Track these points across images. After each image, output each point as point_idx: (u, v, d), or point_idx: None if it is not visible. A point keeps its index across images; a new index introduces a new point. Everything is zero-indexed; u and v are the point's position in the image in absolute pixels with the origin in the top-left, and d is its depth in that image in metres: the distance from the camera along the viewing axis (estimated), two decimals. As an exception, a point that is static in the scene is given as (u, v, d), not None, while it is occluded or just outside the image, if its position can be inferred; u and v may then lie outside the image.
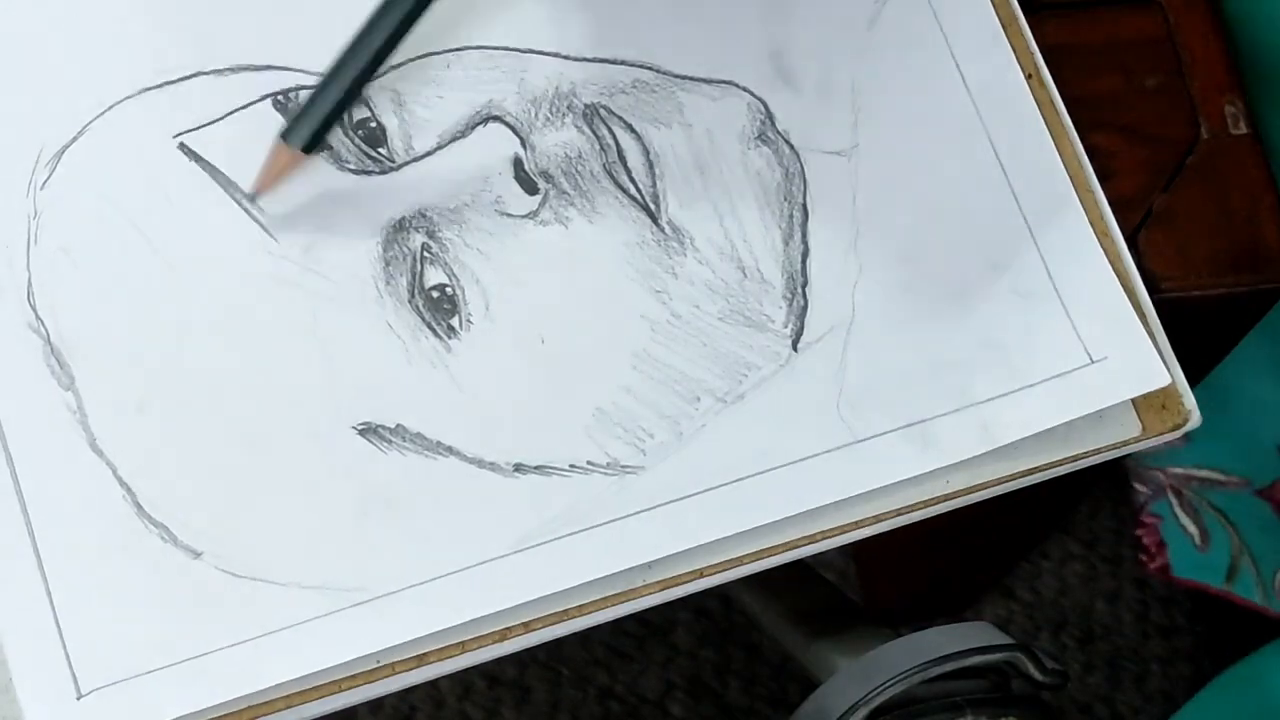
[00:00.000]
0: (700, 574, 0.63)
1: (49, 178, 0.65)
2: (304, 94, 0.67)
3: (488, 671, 1.38)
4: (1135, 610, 1.53)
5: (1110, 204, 0.68)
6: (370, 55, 0.64)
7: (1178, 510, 1.17)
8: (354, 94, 0.65)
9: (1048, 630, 1.53)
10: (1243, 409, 1.10)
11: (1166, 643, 1.51)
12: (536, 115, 0.67)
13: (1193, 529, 1.17)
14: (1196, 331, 0.73)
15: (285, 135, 0.64)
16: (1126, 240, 0.68)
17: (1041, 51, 0.70)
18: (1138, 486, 1.19)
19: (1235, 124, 0.74)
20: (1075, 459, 0.66)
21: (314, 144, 0.65)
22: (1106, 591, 1.54)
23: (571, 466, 0.63)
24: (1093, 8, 0.75)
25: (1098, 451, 0.66)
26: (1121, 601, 1.53)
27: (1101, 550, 1.54)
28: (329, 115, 0.64)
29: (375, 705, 1.28)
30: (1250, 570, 1.15)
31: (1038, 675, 0.74)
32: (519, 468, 0.63)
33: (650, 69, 0.68)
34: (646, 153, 0.67)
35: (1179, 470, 1.17)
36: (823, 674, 0.81)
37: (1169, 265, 0.71)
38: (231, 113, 0.67)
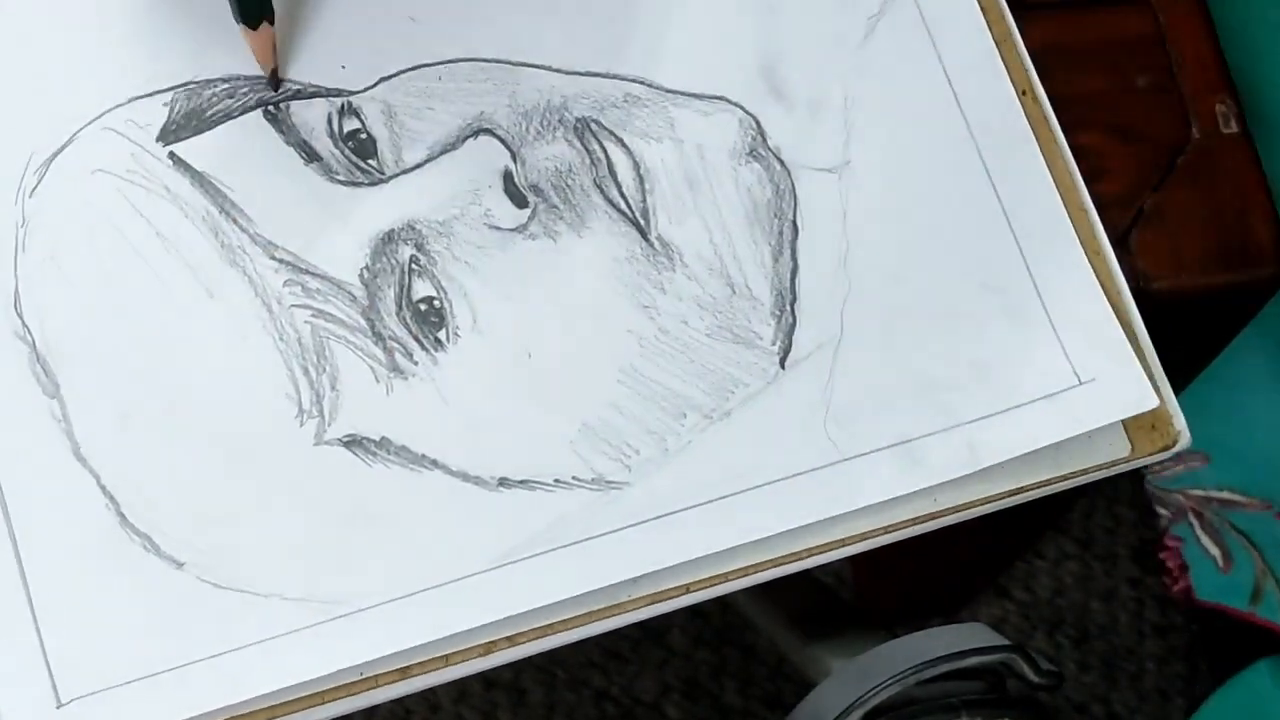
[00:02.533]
0: (687, 589, 0.63)
1: (37, 185, 0.65)
2: (295, 104, 0.67)
3: (484, 674, 1.38)
4: (1131, 609, 1.53)
5: (1101, 203, 0.68)
6: None
7: (1199, 532, 1.17)
8: None
9: (1043, 630, 1.53)
10: (1258, 436, 1.10)
11: (1162, 641, 1.51)
12: (527, 129, 0.67)
13: (1215, 551, 1.17)
14: (1188, 330, 0.73)
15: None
16: (1118, 240, 0.68)
17: (1031, 52, 0.70)
18: (1159, 510, 1.19)
19: (1226, 123, 0.74)
20: (1064, 479, 0.66)
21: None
22: (1102, 591, 1.54)
23: (556, 481, 0.63)
24: (1083, 7, 0.75)
25: (1086, 471, 0.66)
26: (1117, 601, 1.54)
27: (1097, 550, 1.55)
28: None
29: (370, 709, 1.28)
30: (1275, 593, 1.14)
31: (1033, 676, 0.74)
32: (503, 482, 0.63)
33: (642, 83, 0.68)
34: (637, 167, 0.67)
35: (1199, 492, 1.17)
36: (818, 675, 0.81)
37: (1160, 264, 0.71)
38: (221, 122, 0.66)
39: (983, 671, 0.75)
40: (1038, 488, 0.65)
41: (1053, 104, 0.70)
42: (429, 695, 1.37)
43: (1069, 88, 0.71)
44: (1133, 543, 1.55)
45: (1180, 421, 0.66)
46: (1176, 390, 0.67)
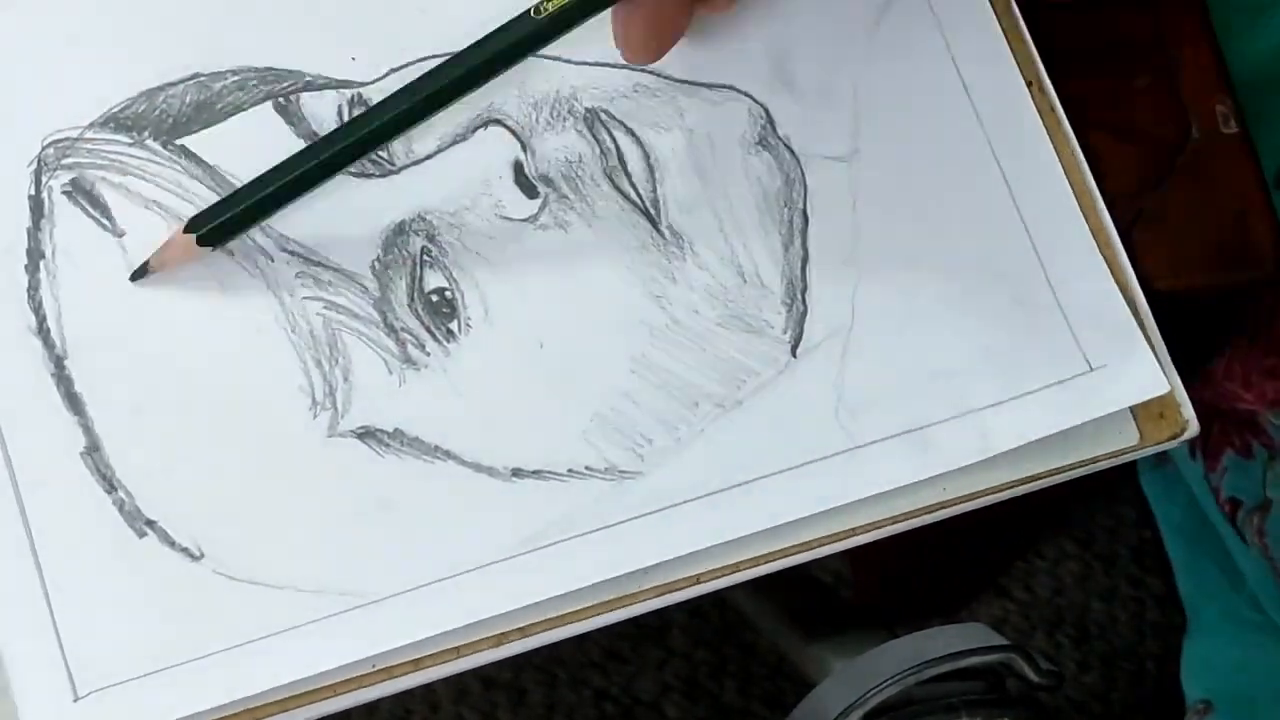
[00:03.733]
0: (698, 579, 0.63)
1: (49, 179, 0.65)
2: (305, 96, 0.67)
3: (484, 674, 1.38)
4: (1131, 609, 1.54)
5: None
6: (296, 179, 0.63)
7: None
8: (268, 209, 0.63)
9: (1043, 629, 1.54)
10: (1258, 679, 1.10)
11: (1162, 641, 1.51)
12: (537, 119, 0.67)
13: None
14: (1188, 330, 0.73)
15: (190, 224, 0.63)
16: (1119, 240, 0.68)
17: (1030, 51, 0.70)
18: None
19: (1225, 123, 0.74)
20: (1073, 467, 0.66)
21: (214, 241, 0.64)
22: (1102, 590, 1.54)
23: (569, 471, 0.63)
24: (1084, 7, 0.75)
25: (1095, 460, 0.66)
26: (1117, 600, 1.54)
27: (1097, 549, 1.55)
28: (237, 218, 0.63)
29: (371, 708, 1.28)
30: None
31: (1033, 676, 0.74)
32: (517, 472, 0.63)
33: (651, 73, 0.68)
34: (647, 157, 0.67)
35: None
36: (818, 675, 0.82)
37: (1160, 263, 0.71)
38: (232, 115, 0.66)
39: (983, 671, 0.75)
40: (1047, 476, 0.66)
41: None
42: (429, 695, 1.36)
43: (1069, 87, 0.71)
44: (1133, 543, 1.55)
45: (1189, 410, 0.66)
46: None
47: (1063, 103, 0.70)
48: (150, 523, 0.62)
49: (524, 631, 0.62)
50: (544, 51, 0.66)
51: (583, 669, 1.42)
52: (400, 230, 0.65)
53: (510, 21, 0.62)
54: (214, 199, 0.65)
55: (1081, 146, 0.69)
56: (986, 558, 1.45)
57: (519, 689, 1.39)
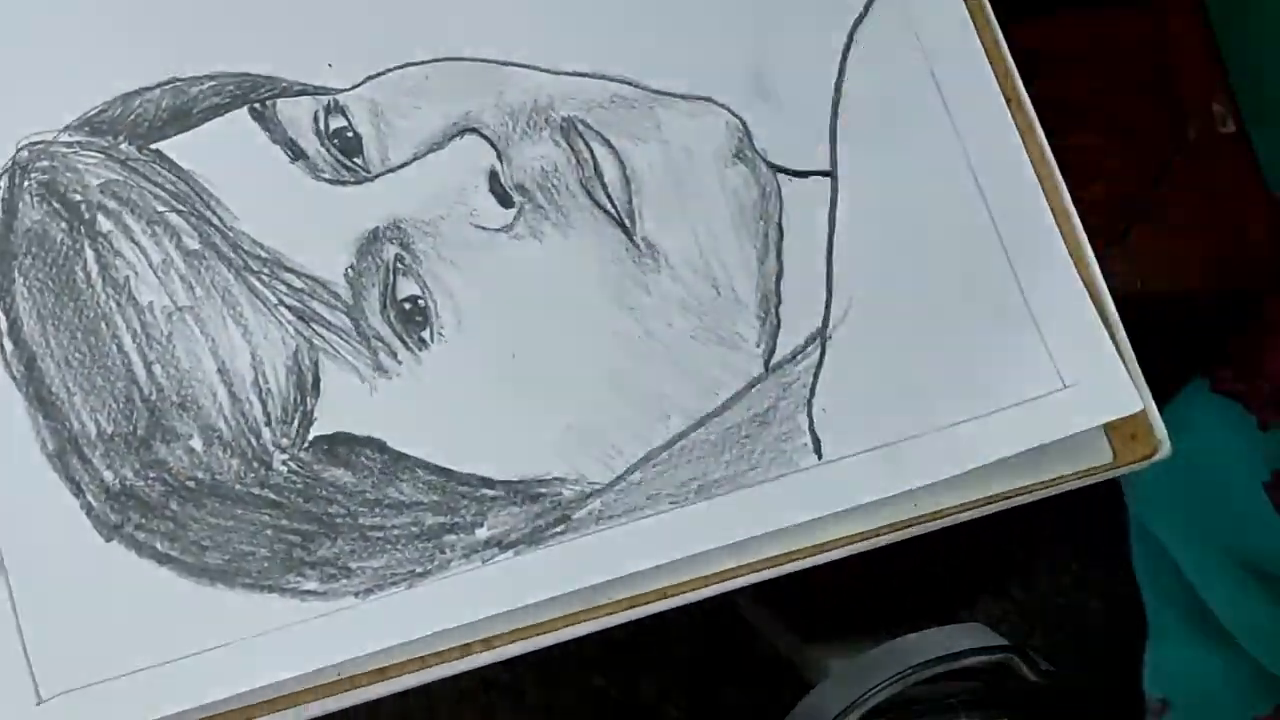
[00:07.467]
0: (664, 594, 0.63)
1: (22, 182, 0.65)
2: (281, 101, 0.67)
3: (483, 674, 1.37)
4: (1130, 609, 1.53)
5: (1100, 204, 0.68)
6: None
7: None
8: None
9: (1043, 629, 1.53)
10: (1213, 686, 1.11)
11: (1162, 642, 1.51)
12: (514, 128, 0.67)
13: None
14: (1185, 328, 0.73)
15: None
16: (1117, 240, 0.68)
17: (1030, 52, 0.70)
18: None
19: (1223, 123, 0.74)
20: (1045, 485, 0.66)
21: None
22: (1102, 590, 1.54)
23: (539, 482, 0.63)
24: (1081, 8, 0.75)
25: (1067, 479, 0.66)
26: (1117, 600, 1.53)
27: (1097, 549, 1.54)
28: None
29: (373, 708, 1.27)
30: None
31: (1031, 676, 0.74)
32: (486, 482, 0.63)
33: (629, 84, 0.68)
34: (623, 168, 0.67)
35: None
36: (818, 675, 0.81)
37: (1157, 264, 0.71)
38: (207, 120, 0.66)
39: (981, 671, 0.75)
40: (1019, 494, 0.66)
41: (1050, 105, 0.69)
42: (427, 696, 1.36)
43: (1067, 88, 0.70)
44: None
45: (1161, 430, 0.66)
46: (1173, 391, 0.67)
47: (1060, 103, 0.69)
48: (117, 527, 0.62)
49: (488, 644, 0.62)
50: (521, 60, 0.67)
51: (583, 669, 1.42)
52: (374, 237, 0.65)
53: None
54: (187, 203, 0.65)
55: (1080, 147, 0.69)
56: (986, 558, 1.45)
57: (518, 689, 1.39)
